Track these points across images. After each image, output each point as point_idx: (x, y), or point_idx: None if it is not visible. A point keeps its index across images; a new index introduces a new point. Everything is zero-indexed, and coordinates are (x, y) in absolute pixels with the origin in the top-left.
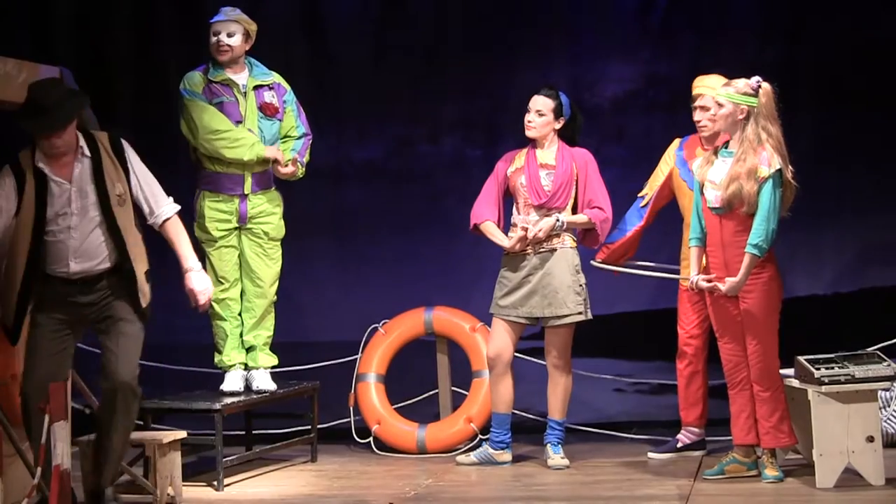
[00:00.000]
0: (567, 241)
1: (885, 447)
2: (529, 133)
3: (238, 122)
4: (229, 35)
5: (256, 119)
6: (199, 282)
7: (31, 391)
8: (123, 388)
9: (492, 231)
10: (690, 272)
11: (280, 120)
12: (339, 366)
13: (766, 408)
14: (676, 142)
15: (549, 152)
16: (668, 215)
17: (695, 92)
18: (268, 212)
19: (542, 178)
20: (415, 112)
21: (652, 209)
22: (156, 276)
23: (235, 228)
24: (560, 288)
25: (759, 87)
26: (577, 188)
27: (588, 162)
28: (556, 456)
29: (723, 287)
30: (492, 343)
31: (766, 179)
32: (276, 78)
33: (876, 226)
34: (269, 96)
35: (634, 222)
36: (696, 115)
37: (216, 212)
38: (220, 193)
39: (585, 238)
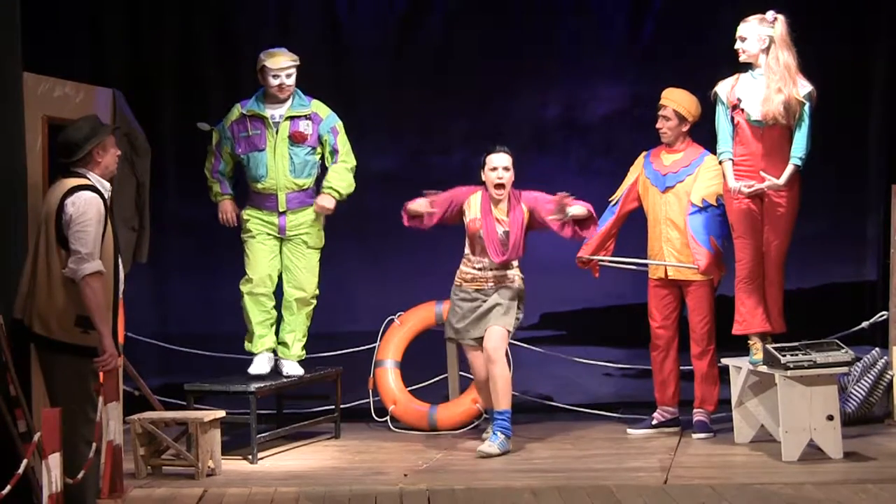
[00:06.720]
0: (516, 278)
1: (842, 425)
2: (500, 191)
3: (262, 151)
4: (288, 76)
5: (286, 147)
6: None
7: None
8: None
9: (417, 203)
10: (729, 181)
11: (312, 147)
12: (360, 353)
13: (778, 294)
14: (643, 153)
15: (503, 207)
16: (635, 222)
17: (661, 102)
18: (307, 224)
19: (500, 235)
20: (428, 128)
21: (621, 209)
22: (196, 272)
23: (276, 237)
24: (501, 307)
25: (776, 19)
26: (536, 220)
27: (532, 195)
28: (488, 441)
29: (765, 185)
30: (474, 364)
31: (803, 102)
32: (314, 108)
33: (835, 231)
34: (303, 125)
35: (608, 218)
36: (659, 123)
37: (259, 219)
38: (261, 209)
39: (585, 229)
